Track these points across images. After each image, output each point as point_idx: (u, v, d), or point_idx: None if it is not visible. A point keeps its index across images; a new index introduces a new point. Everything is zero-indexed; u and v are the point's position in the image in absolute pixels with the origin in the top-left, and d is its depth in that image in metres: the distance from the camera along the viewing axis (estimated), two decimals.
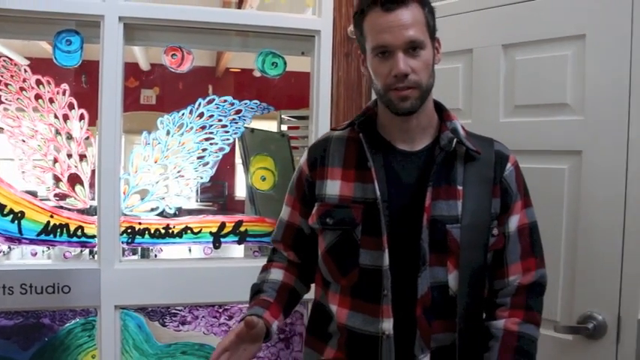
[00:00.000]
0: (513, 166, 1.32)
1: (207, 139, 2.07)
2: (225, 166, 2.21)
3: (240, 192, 7.41)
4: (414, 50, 1.19)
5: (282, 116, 3.71)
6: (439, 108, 1.34)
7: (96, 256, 1.97)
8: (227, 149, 2.10)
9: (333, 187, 1.30)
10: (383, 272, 1.22)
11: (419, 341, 1.22)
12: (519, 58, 1.74)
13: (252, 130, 2.67)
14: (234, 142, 2.19)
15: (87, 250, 2.03)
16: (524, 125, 1.72)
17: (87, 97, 1.99)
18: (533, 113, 1.71)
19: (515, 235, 1.29)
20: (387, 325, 1.22)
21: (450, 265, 1.23)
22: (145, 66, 6.49)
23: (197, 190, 6.42)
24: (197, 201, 7.01)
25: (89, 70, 2.03)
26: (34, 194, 2.04)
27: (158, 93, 6.97)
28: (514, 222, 1.30)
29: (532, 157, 1.68)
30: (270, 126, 3.80)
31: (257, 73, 2.12)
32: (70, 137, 1.97)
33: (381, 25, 1.18)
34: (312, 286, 1.49)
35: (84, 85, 2.20)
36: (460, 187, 1.25)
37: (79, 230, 1.96)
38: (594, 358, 1.59)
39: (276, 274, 1.42)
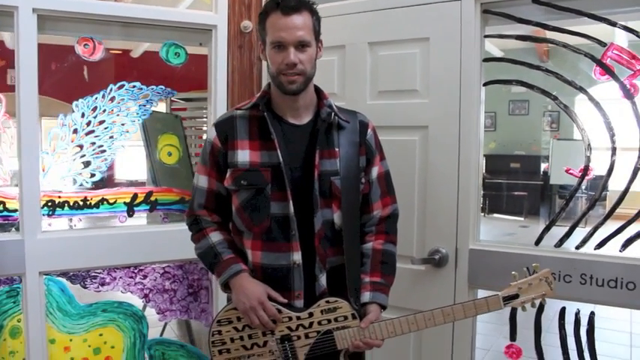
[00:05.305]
0: (372, 131, 1.75)
1: (118, 121, 2.30)
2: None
3: (120, 175, 7.34)
4: (302, 47, 1.56)
5: (172, 99, 3.92)
6: (317, 90, 1.71)
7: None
8: (136, 130, 2.35)
9: (244, 156, 1.62)
10: (290, 217, 1.60)
11: (318, 264, 1.62)
12: (382, 54, 2.19)
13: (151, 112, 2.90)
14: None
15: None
16: (385, 106, 2.19)
17: (3, 82, 2.13)
18: (392, 97, 2.18)
19: (376, 181, 1.74)
20: (297, 256, 1.61)
21: (335, 206, 1.64)
22: (11, 45, 6.19)
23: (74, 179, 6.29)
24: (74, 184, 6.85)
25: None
26: None
27: None
28: (375, 172, 1.73)
29: (392, 131, 2.16)
30: (160, 107, 3.98)
31: (152, 56, 2.35)
32: None
33: (280, 25, 1.54)
34: None
35: None
36: (337, 149, 1.65)
37: (1, 205, 2.13)
38: (440, 282, 2.12)
39: (216, 236, 1.70)
